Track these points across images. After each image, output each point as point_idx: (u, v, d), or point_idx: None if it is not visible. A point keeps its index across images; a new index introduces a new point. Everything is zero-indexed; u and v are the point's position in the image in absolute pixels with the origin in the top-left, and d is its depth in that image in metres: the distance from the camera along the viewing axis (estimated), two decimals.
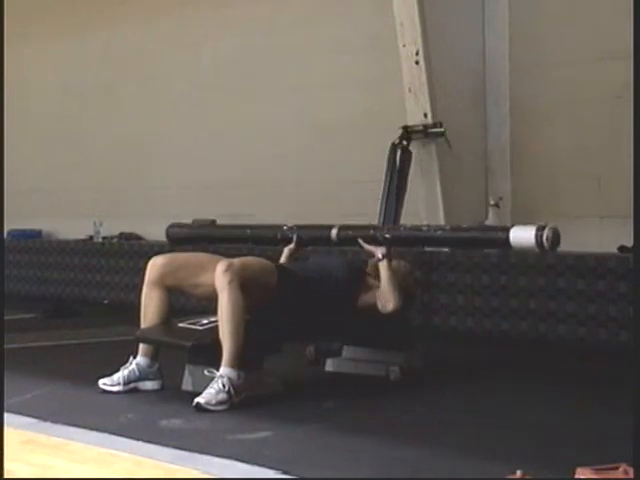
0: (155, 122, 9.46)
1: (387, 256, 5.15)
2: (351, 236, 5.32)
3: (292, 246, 5.50)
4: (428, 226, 5.62)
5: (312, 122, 8.24)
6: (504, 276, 6.84)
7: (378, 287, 5.17)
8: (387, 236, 5.22)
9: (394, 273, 5.18)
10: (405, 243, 5.45)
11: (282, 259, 5.49)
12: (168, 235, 5.96)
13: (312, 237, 5.57)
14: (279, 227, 5.62)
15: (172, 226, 5.97)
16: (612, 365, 5.79)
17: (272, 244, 5.77)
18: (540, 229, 4.67)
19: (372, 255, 5.24)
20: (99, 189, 9.93)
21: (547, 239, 4.65)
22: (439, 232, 5.35)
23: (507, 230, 4.85)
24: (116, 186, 9.79)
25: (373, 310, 5.17)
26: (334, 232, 5.35)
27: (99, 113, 9.90)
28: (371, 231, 5.34)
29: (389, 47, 7.14)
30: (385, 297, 5.12)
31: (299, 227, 5.55)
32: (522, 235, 4.75)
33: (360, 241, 5.24)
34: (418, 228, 5.48)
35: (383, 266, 5.15)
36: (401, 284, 5.24)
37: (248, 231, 5.90)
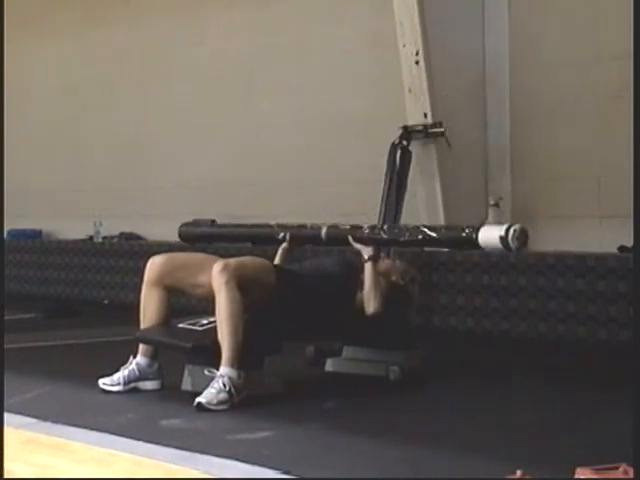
0: (155, 122, 9.46)
1: (373, 258, 5.15)
2: (340, 234, 5.31)
3: (286, 245, 5.50)
4: (407, 227, 5.41)
5: (312, 122, 8.24)
6: (504, 276, 6.84)
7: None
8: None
9: (379, 276, 5.18)
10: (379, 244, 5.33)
11: (277, 259, 5.50)
12: (180, 235, 5.99)
13: (303, 236, 5.56)
14: (271, 226, 5.63)
15: (183, 225, 6.00)
16: (612, 365, 5.80)
17: (271, 243, 5.73)
18: (506, 230, 4.61)
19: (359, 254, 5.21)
20: (99, 189, 9.93)
21: (513, 240, 4.60)
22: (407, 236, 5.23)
23: (477, 230, 4.77)
24: (116, 186, 9.79)
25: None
26: (324, 231, 5.37)
27: (99, 113, 9.90)
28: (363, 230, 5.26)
29: (389, 47, 7.15)
30: (366, 299, 5.12)
31: (290, 227, 5.57)
32: (489, 235, 4.71)
33: (350, 239, 5.24)
34: (398, 229, 5.42)
35: (368, 268, 5.15)
36: (398, 282, 5.27)
37: (250, 230, 5.91)
